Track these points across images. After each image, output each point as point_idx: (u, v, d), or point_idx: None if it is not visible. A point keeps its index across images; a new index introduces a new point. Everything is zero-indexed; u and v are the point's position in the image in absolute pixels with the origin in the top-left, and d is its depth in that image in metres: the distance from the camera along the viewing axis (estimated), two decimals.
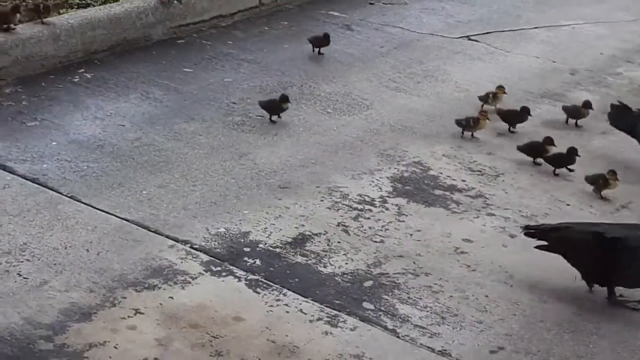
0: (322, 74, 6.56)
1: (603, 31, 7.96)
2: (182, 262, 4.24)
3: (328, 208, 4.83)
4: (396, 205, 4.92)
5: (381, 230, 4.68)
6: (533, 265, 4.45)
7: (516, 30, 7.81)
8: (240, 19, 7.50)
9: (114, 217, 4.55)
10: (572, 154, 5.40)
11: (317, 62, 6.76)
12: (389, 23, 7.74)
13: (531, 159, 5.48)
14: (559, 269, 4.39)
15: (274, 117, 5.76)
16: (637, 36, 7.89)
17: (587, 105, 6.06)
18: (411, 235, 4.66)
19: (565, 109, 6.13)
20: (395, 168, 5.31)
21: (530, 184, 5.25)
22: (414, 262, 4.42)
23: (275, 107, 5.77)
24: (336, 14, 7.87)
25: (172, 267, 4.20)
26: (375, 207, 4.89)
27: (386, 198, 4.99)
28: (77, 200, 4.67)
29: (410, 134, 5.74)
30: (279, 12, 7.78)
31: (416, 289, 4.23)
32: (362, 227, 4.69)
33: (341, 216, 4.77)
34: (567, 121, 6.11)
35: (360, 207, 4.87)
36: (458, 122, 5.75)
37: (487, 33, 7.66)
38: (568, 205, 5.06)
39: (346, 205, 4.88)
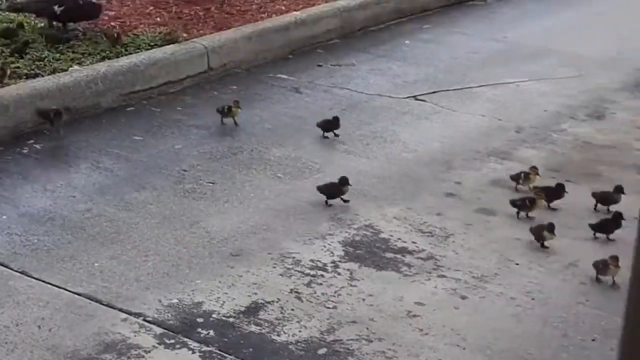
0: (272, 138, 6.61)
1: (547, 88, 8.11)
2: (135, 336, 4.24)
3: (280, 275, 4.86)
4: (348, 270, 4.96)
5: (334, 295, 4.71)
6: (485, 327, 4.49)
7: (462, 89, 7.94)
8: (189, 85, 7.55)
9: (65, 291, 4.54)
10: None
11: (267, 127, 6.82)
12: (337, 85, 7.84)
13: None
14: (511, 331, 4.44)
15: (331, 202, 5.68)
16: (580, 92, 8.05)
17: (619, 190, 5.80)
18: (364, 300, 4.69)
19: (595, 195, 5.83)
20: (346, 232, 5.36)
21: (479, 244, 5.32)
22: (367, 328, 4.44)
23: (335, 191, 5.70)
24: (284, 76, 7.95)
25: (125, 341, 4.19)
26: (328, 272, 4.92)
27: (338, 263, 5.02)
28: (28, 276, 4.65)
29: (361, 197, 5.80)
30: (227, 77, 7.84)
31: (370, 355, 4.25)
32: (315, 293, 4.71)
33: (294, 282, 4.80)
34: (595, 207, 5.82)
35: (312, 272, 4.90)
36: (513, 203, 5.65)
37: (433, 92, 7.78)
38: (517, 264, 5.12)
39: (298, 271, 4.90)
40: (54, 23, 7.87)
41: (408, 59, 8.69)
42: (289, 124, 6.90)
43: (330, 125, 6.68)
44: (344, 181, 5.67)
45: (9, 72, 6.49)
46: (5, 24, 7.75)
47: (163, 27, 8.21)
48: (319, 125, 6.69)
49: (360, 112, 7.26)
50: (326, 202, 5.63)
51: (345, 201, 5.64)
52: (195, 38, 7.93)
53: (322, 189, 5.67)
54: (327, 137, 6.64)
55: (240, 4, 9.22)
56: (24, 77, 6.80)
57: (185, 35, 8.05)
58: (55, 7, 7.68)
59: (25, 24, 7.78)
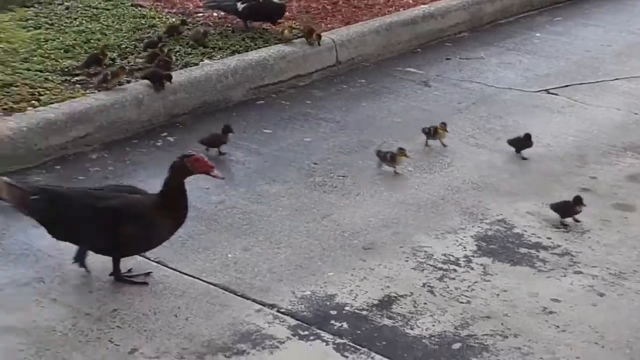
0: (401, 131, 6.57)
1: None
2: (269, 327, 4.26)
3: (413, 268, 4.82)
4: (481, 264, 4.89)
5: (467, 290, 4.65)
6: (624, 325, 4.37)
7: (596, 82, 7.75)
8: (318, 78, 7.57)
9: (200, 281, 4.60)
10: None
11: (396, 120, 6.78)
12: (466, 78, 7.75)
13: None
14: None
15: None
16: None
17: None
18: (498, 295, 4.62)
19: None
20: (479, 226, 5.28)
21: (617, 240, 5.18)
22: (502, 323, 4.37)
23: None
24: (413, 70, 7.90)
25: (259, 332, 4.22)
26: (460, 266, 4.86)
27: (471, 257, 4.96)
28: (165, 266, 4.72)
29: (493, 191, 5.72)
30: (356, 70, 7.83)
31: (505, 350, 4.18)
32: (448, 287, 4.66)
33: (426, 276, 4.75)
34: None
35: (445, 267, 4.85)
36: None
37: (566, 86, 7.62)
38: None
39: (431, 265, 4.86)
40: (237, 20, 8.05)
41: (539, 52, 8.53)
42: (418, 117, 6.84)
43: (522, 143, 6.25)
44: (577, 201, 5.37)
45: (122, 75, 6.60)
46: (171, 21, 7.96)
47: (292, 21, 8.24)
48: (509, 142, 6.29)
49: (490, 106, 7.16)
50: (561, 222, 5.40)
51: (577, 221, 5.39)
52: (324, 32, 7.94)
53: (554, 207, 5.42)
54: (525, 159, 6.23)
55: None
56: None
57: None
58: (238, 4, 7.83)
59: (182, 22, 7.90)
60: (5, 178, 4.50)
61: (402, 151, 5.87)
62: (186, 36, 7.63)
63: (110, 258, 4.55)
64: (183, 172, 4.47)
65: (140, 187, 4.70)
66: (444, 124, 6.34)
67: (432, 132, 6.32)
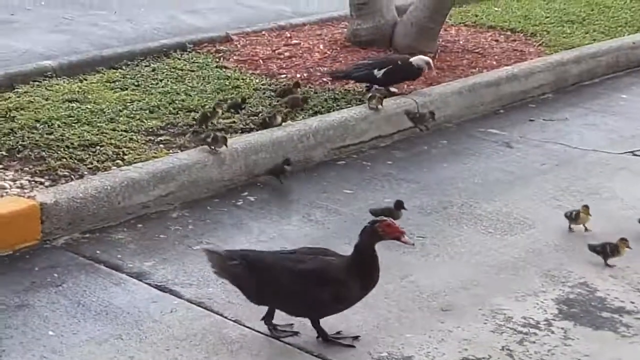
0: (482, 193, 6.52)
1: None
2: None
3: (491, 331, 4.75)
4: (562, 328, 4.80)
5: (547, 354, 4.56)
6: None
7: None
8: (399, 139, 7.58)
9: (277, 341, 4.59)
10: None
11: (477, 182, 6.74)
12: (549, 139, 7.68)
13: None
14: None
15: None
16: None
17: None
18: None
19: None
20: (560, 289, 5.19)
21: None
22: None
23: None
24: (495, 131, 7.87)
25: None
26: (541, 330, 4.78)
27: (551, 321, 4.87)
28: (241, 324, 4.73)
29: (575, 254, 5.62)
30: (437, 131, 7.82)
31: None
32: (528, 351, 4.58)
33: (505, 340, 4.67)
34: None
35: (524, 330, 4.77)
36: None
37: None
38: None
39: (510, 328, 4.78)
40: (375, 87, 8.04)
41: (625, 113, 8.43)
42: (500, 178, 6.79)
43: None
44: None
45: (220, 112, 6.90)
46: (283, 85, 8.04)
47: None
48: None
49: (573, 168, 7.07)
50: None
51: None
52: (406, 93, 7.96)
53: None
54: None
55: (450, 59, 9.20)
56: (239, 131, 6.99)
57: (395, 90, 8.08)
58: (375, 71, 7.86)
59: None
60: (204, 246, 4.89)
61: (623, 242, 5.56)
62: (269, 97, 7.72)
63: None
64: (374, 237, 4.51)
65: (330, 250, 4.71)
66: (586, 207, 5.99)
67: (573, 217, 6.00)
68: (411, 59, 7.92)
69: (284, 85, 7.98)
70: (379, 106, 7.45)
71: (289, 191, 6.41)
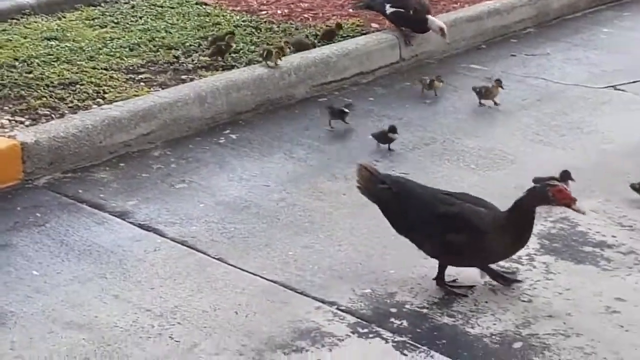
0: (464, 128, 6.53)
1: None
2: (329, 324, 4.25)
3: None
4: (544, 263, 4.83)
5: (529, 289, 4.59)
6: None
7: None
8: (381, 75, 7.55)
9: (261, 278, 4.61)
10: None
11: (459, 117, 6.74)
12: (531, 75, 7.67)
13: None
14: None
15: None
16: None
17: None
18: (560, 294, 4.55)
19: None
20: (541, 224, 5.21)
21: None
22: (564, 323, 4.31)
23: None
24: (477, 67, 7.85)
25: (319, 329, 4.21)
26: (522, 265, 4.81)
27: (533, 256, 4.90)
28: (225, 262, 4.75)
29: None
30: (419, 67, 7.80)
31: (567, 350, 4.12)
32: (510, 286, 4.61)
33: None
34: None
35: (506, 265, 4.79)
36: None
37: (633, 82, 7.50)
38: None
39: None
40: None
41: (606, 47, 8.41)
42: (482, 114, 6.79)
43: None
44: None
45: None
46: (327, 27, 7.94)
47: (355, 19, 8.23)
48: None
49: (555, 103, 7.07)
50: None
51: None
52: (387, 29, 7.92)
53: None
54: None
55: None
56: (220, 69, 6.95)
57: (377, 26, 8.05)
58: (387, 7, 7.73)
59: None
60: (362, 161, 4.84)
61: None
62: (250, 34, 7.66)
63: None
64: (542, 200, 4.41)
65: (488, 203, 4.60)
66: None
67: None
68: (428, 16, 7.67)
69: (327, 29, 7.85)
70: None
71: (271, 129, 6.39)
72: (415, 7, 7.71)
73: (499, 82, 6.81)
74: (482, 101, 6.74)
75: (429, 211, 4.45)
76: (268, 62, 6.76)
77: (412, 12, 7.67)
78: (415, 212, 4.49)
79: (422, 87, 6.87)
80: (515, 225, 4.42)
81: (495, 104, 6.59)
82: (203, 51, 7.24)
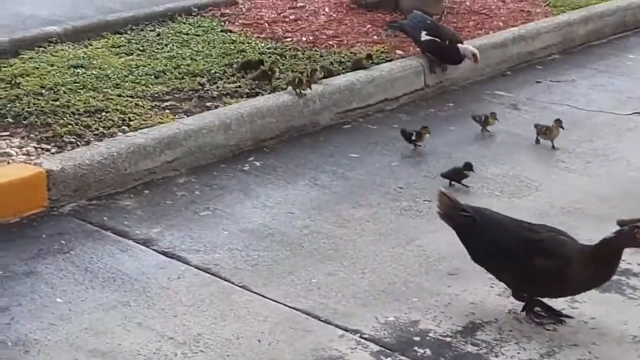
0: (489, 155, 6.51)
1: None
2: (352, 352, 4.24)
3: (498, 295, 4.75)
4: None
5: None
6: None
7: None
8: (405, 102, 7.55)
9: (284, 306, 4.61)
10: None
11: (484, 144, 6.73)
12: (556, 101, 7.65)
13: None
14: None
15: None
16: None
17: None
18: (585, 322, 4.52)
19: None
20: None
21: None
22: (590, 352, 4.28)
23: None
24: (502, 93, 7.84)
25: (342, 358, 4.20)
26: None
27: None
28: (249, 290, 4.74)
29: (582, 216, 5.62)
30: (444, 94, 7.80)
31: None
32: (558, 322, 4.57)
33: (512, 303, 4.67)
34: None
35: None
36: None
37: None
38: None
39: None
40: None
41: (632, 73, 8.38)
42: (507, 141, 6.78)
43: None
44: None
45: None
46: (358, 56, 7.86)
47: (380, 45, 8.25)
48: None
49: (580, 129, 7.05)
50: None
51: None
52: (412, 55, 7.93)
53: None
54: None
55: (457, 20, 9.16)
56: (245, 96, 6.97)
57: (401, 52, 8.06)
58: (423, 33, 7.68)
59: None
60: (442, 188, 4.84)
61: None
62: (275, 62, 7.69)
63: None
64: (629, 241, 4.37)
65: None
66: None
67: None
68: (460, 45, 7.66)
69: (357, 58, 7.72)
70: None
71: (295, 156, 6.40)
72: (450, 38, 7.69)
73: (559, 123, 6.55)
74: (541, 140, 6.52)
75: (513, 238, 4.42)
76: (299, 90, 6.77)
77: (447, 43, 7.62)
78: (496, 240, 4.46)
79: (480, 125, 6.61)
80: (600, 261, 4.36)
81: (554, 147, 6.41)
82: (228, 78, 7.27)
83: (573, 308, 4.63)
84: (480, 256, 4.58)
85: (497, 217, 4.60)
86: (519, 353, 4.27)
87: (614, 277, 4.87)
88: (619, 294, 4.79)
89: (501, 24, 9.11)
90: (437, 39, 7.63)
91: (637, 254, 5.13)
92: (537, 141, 6.55)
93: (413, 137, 6.54)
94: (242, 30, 8.60)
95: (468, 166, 6.02)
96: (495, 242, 4.47)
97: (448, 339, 4.37)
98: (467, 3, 9.81)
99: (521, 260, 4.41)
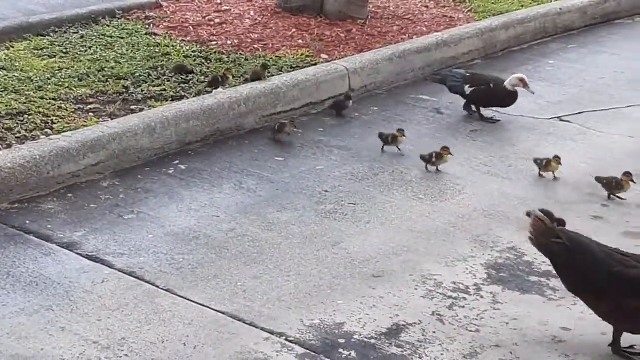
0: (413, 159, 6.57)
1: None
2: (277, 355, 4.26)
3: (422, 297, 4.81)
4: (491, 293, 4.88)
5: (476, 319, 4.63)
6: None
7: (609, 109, 7.75)
8: (330, 106, 7.58)
9: (209, 309, 4.60)
10: None
11: (408, 148, 6.77)
12: None
13: None
14: None
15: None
16: None
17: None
18: (507, 323, 4.60)
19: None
20: (489, 254, 5.27)
21: None
22: (511, 352, 4.36)
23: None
24: (426, 97, 7.91)
25: None
26: (470, 295, 4.85)
27: (481, 286, 4.94)
28: (174, 294, 4.73)
29: (504, 219, 5.70)
30: (368, 98, 7.85)
31: None
32: (457, 316, 4.65)
33: (435, 305, 4.74)
34: None
35: (454, 295, 4.84)
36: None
37: (579, 113, 7.62)
38: None
39: (440, 293, 4.85)
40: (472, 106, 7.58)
41: (552, 79, 8.54)
42: (431, 145, 6.84)
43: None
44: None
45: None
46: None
47: (305, 49, 8.29)
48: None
49: (503, 133, 7.15)
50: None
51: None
52: (337, 60, 7.98)
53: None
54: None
55: (381, 25, 9.23)
56: (170, 99, 6.95)
57: (326, 57, 8.10)
58: (466, 87, 7.47)
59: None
60: (537, 211, 4.55)
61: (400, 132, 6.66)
62: (200, 65, 7.69)
63: None
64: None
65: None
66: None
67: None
68: (506, 82, 7.40)
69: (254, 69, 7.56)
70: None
71: (220, 159, 6.40)
72: (495, 80, 7.50)
73: (557, 159, 6.31)
74: (542, 173, 6.36)
75: (604, 271, 4.23)
76: (282, 135, 6.80)
77: (492, 85, 7.43)
78: (589, 271, 4.28)
79: (538, 168, 6.33)
80: None
81: (555, 178, 6.32)
82: (153, 81, 7.24)
83: (495, 309, 4.70)
84: (572, 286, 4.41)
85: (590, 246, 4.36)
86: (442, 354, 4.33)
87: (535, 279, 4.99)
88: (540, 295, 4.87)
89: (425, 29, 9.21)
90: (481, 86, 7.42)
91: None
92: (540, 175, 6.32)
93: (389, 140, 6.68)
94: (167, 33, 8.57)
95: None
96: (585, 274, 4.30)
97: (372, 341, 4.41)
98: (391, 8, 9.91)
99: (611, 297, 4.25)
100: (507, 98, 7.42)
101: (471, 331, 4.52)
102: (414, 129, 7.14)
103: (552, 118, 7.52)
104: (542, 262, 5.18)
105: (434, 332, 4.50)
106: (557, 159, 6.27)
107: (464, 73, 7.62)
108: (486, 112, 7.50)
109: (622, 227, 5.65)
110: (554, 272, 5.02)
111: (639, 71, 8.88)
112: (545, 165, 6.28)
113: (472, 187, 6.16)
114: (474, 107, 7.55)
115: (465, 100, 7.56)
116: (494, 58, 9.16)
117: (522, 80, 7.38)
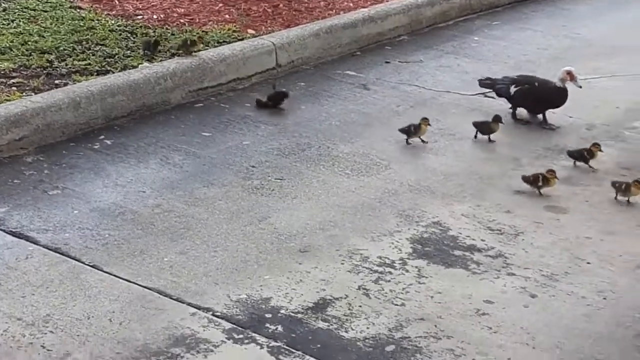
0: (339, 134, 6.60)
1: (619, 85, 8.01)
2: (204, 330, 4.26)
3: (348, 271, 4.85)
4: (416, 267, 4.93)
5: (402, 292, 4.69)
6: (555, 327, 4.44)
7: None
8: (257, 81, 7.57)
9: (136, 285, 4.59)
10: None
11: (335, 124, 6.81)
12: (404, 81, 7.80)
13: None
14: (582, 331, 4.39)
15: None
16: None
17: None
18: (432, 297, 4.66)
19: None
20: (414, 229, 5.33)
21: (549, 243, 5.25)
22: (436, 325, 4.42)
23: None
24: (352, 73, 7.94)
25: (194, 336, 4.22)
26: (396, 269, 4.90)
27: (406, 260, 5.00)
28: (99, 269, 4.70)
29: (429, 194, 5.77)
30: (295, 73, 7.85)
31: (438, 352, 4.22)
32: (383, 290, 4.70)
33: (362, 279, 4.78)
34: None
35: (380, 269, 4.89)
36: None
37: None
38: (588, 263, 5.05)
39: (366, 268, 4.89)
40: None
41: (477, 55, 8.63)
42: (357, 120, 6.88)
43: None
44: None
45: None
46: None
47: (231, 24, 8.26)
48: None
49: (428, 109, 7.21)
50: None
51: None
52: (264, 35, 7.96)
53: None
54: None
55: (308, 0, 9.23)
56: (95, 73, 6.88)
57: (253, 32, 8.08)
58: (512, 88, 7.15)
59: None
60: None
61: (424, 120, 6.52)
62: (125, 39, 7.62)
63: None
64: None
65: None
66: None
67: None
68: (555, 80, 7.05)
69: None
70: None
71: (146, 134, 6.36)
72: (540, 80, 7.21)
73: (637, 184, 5.76)
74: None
75: None
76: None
77: (537, 84, 7.11)
78: None
79: (615, 191, 5.83)
80: None
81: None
82: (77, 55, 7.16)
83: (420, 283, 4.76)
84: None
85: None
86: (368, 328, 4.37)
87: (459, 253, 5.06)
88: (464, 269, 4.94)
89: (351, 4, 9.24)
90: (526, 85, 7.10)
91: (480, 231, 5.32)
92: (616, 197, 5.80)
93: (412, 131, 6.49)
94: (92, 6, 8.47)
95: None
96: None
97: (299, 316, 4.44)
98: None
99: None
100: (556, 96, 7.03)
101: (397, 305, 4.57)
102: (340, 105, 7.17)
103: (476, 94, 7.60)
104: (467, 237, 5.26)
105: (360, 306, 4.54)
106: (636, 183, 5.73)
107: (513, 76, 7.34)
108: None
109: (545, 202, 5.74)
110: (478, 246, 5.13)
111: (560, 48, 9.02)
112: (624, 189, 5.79)
113: (398, 162, 6.21)
114: (527, 115, 7.18)
115: (511, 110, 7.20)
116: (419, 34, 9.21)
117: (569, 73, 7.01)
